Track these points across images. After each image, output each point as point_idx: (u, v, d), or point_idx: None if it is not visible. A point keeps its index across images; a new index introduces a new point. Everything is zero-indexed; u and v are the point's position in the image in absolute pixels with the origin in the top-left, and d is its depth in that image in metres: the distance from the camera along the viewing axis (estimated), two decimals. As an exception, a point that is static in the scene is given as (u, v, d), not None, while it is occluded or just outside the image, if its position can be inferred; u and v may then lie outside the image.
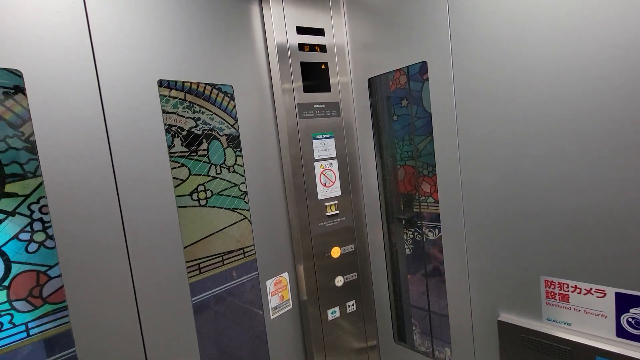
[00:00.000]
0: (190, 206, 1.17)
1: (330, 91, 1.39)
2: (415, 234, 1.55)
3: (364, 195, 1.47)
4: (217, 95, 1.21)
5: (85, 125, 0.90)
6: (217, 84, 1.19)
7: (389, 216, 1.49)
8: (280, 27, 1.28)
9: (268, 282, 1.32)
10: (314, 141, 1.36)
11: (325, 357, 1.43)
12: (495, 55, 1.00)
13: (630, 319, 0.87)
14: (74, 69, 0.89)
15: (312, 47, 1.34)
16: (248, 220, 1.28)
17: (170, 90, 1.11)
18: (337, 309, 1.44)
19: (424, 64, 1.16)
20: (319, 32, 1.36)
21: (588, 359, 0.93)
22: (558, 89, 0.90)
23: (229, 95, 1.23)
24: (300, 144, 1.33)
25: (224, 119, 1.23)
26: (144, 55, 1.00)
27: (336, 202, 1.41)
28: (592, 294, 0.92)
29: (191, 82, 1.14)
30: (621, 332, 0.89)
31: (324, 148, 1.38)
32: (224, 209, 1.25)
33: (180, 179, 1.14)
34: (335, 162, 1.40)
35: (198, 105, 1.18)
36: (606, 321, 0.91)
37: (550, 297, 1.00)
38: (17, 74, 0.83)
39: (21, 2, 0.82)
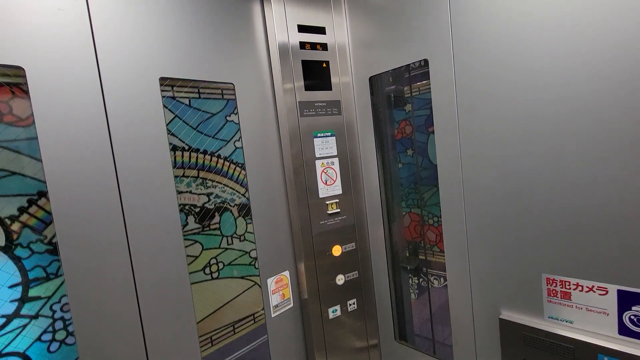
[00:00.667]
0: (202, 281, 1.17)
1: (331, 90, 1.39)
2: (421, 280, 1.56)
3: (365, 194, 1.47)
4: (229, 167, 1.23)
5: (87, 127, 0.90)
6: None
7: (390, 216, 1.49)
8: (281, 25, 1.28)
9: (269, 280, 1.32)
10: (315, 139, 1.36)
11: (326, 356, 1.42)
12: (497, 54, 1.00)
13: (632, 317, 0.87)
14: (76, 67, 0.89)
15: (314, 46, 1.34)
16: (258, 285, 1.29)
17: (184, 170, 1.12)
18: (338, 307, 1.43)
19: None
20: (320, 30, 1.36)
21: (590, 357, 0.92)
22: (559, 89, 0.90)
23: (240, 165, 1.25)
24: (302, 142, 1.33)
25: (235, 190, 1.25)
26: (146, 53, 1.01)
27: (337, 200, 1.41)
28: (594, 292, 0.92)
29: (204, 158, 1.16)
30: (624, 330, 0.89)
31: (325, 146, 1.38)
32: (235, 278, 1.26)
33: (193, 256, 1.15)
34: (336, 160, 1.40)
35: (211, 180, 1.19)
36: (608, 319, 0.91)
37: (552, 295, 0.99)
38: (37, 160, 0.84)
39: (23, 1, 0.82)
